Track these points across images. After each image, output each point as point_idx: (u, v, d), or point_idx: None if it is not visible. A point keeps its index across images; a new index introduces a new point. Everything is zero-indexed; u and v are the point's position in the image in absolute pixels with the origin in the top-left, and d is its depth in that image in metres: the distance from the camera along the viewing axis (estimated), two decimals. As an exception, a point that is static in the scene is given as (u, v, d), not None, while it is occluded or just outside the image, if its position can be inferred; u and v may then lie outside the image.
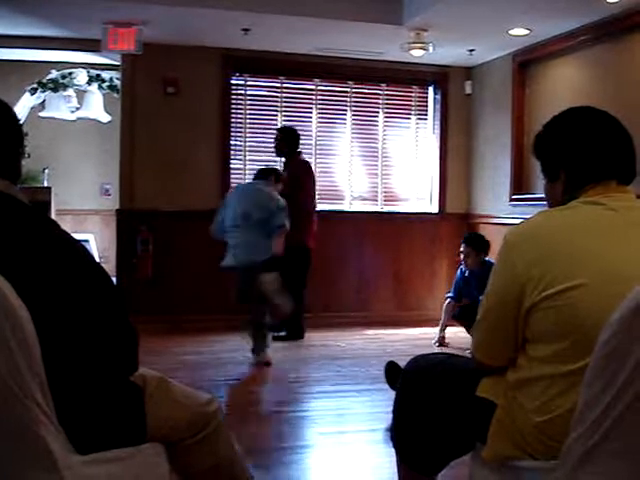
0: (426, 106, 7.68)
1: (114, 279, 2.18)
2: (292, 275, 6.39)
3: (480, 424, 1.76)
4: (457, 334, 6.48)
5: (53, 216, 6.82)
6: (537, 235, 1.70)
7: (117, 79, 7.43)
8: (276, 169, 5.91)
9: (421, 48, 6.22)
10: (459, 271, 6.12)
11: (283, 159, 6.56)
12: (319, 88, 7.37)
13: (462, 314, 5.97)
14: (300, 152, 6.56)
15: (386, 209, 7.55)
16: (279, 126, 6.80)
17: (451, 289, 6.27)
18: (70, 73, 7.93)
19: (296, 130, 6.56)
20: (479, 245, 5.89)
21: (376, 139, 7.54)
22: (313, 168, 6.76)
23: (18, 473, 1.41)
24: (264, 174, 5.66)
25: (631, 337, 1.36)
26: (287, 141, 6.42)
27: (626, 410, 1.37)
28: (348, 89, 7.44)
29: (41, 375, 1.43)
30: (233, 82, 7.07)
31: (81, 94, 8.15)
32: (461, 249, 5.98)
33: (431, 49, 6.27)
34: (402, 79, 7.49)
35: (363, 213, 7.43)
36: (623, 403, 1.37)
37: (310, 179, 6.53)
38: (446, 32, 6.10)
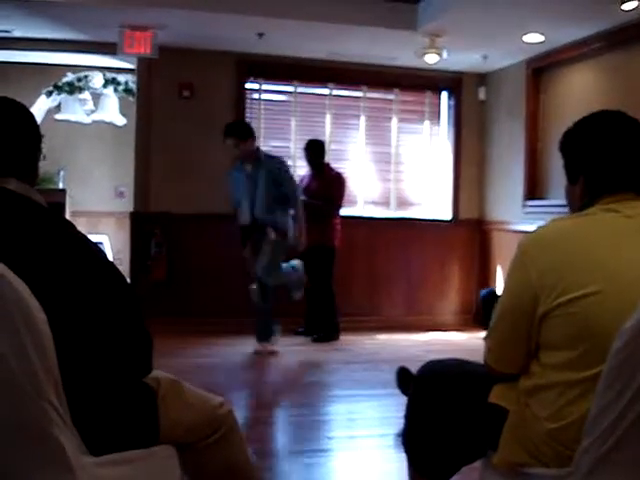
0: (439, 112, 7.67)
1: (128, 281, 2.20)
2: (318, 273, 6.43)
3: (492, 431, 1.76)
4: (470, 339, 6.47)
5: (67, 218, 6.85)
6: (551, 242, 1.70)
7: (132, 82, 7.46)
8: None
9: (435, 54, 6.21)
10: None
11: (308, 167, 6.65)
12: (333, 93, 7.38)
13: (490, 299, 5.92)
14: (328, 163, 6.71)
15: (399, 214, 7.54)
16: (308, 139, 6.77)
17: None
18: (86, 76, 7.96)
19: (317, 140, 6.67)
20: None
21: (389, 144, 7.53)
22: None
23: (31, 473, 1.41)
24: None
25: (645, 345, 1.35)
26: (313, 153, 6.54)
27: (639, 418, 1.37)
28: (361, 94, 7.45)
29: (55, 376, 1.43)
30: (247, 86, 7.08)
31: (97, 97, 8.18)
32: None
33: (445, 55, 6.26)
34: (416, 85, 7.48)
35: (376, 218, 7.43)
36: (636, 410, 1.36)
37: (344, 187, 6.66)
38: (460, 38, 6.09)
